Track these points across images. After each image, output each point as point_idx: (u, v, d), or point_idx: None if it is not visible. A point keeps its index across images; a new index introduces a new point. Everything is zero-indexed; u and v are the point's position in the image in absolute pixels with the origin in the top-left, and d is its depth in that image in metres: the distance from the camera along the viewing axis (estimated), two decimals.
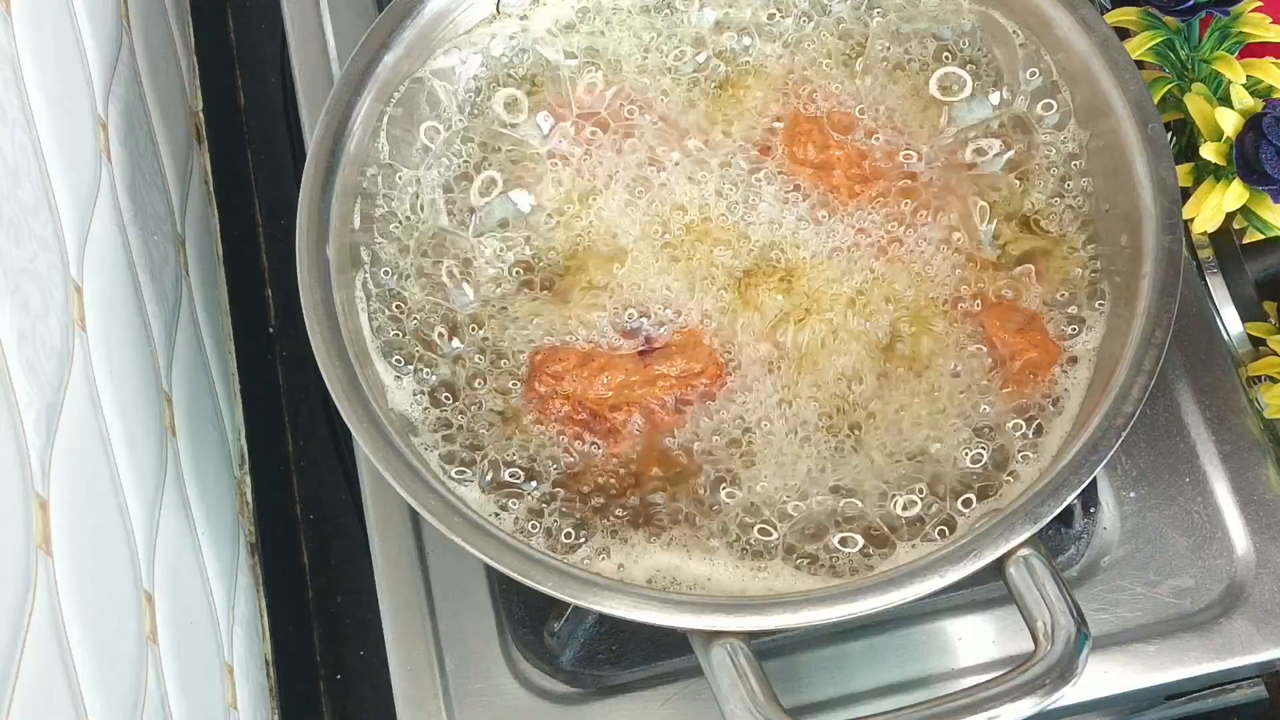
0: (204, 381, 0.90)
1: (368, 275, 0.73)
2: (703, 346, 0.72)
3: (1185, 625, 0.75)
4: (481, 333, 0.73)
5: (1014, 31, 0.77)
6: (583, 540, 0.68)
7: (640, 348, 0.72)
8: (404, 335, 0.72)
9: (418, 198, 0.76)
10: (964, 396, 0.71)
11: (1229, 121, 0.79)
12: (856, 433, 0.71)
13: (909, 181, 0.76)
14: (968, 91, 0.78)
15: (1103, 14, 0.79)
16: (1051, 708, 0.60)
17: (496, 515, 0.68)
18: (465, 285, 0.74)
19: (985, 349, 0.72)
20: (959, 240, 0.75)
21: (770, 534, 0.68)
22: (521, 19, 0.79)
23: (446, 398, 0.71)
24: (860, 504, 0.69)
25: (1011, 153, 0.76)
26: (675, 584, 0.67)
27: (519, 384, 0.72)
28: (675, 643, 0.67)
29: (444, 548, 0.76)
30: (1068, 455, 0.66)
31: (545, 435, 0.70)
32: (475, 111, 0.78)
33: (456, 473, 0.69)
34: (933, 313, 0.73)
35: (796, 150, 0.77)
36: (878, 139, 0.77)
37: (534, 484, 0.69)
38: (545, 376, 0.71)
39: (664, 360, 0.72)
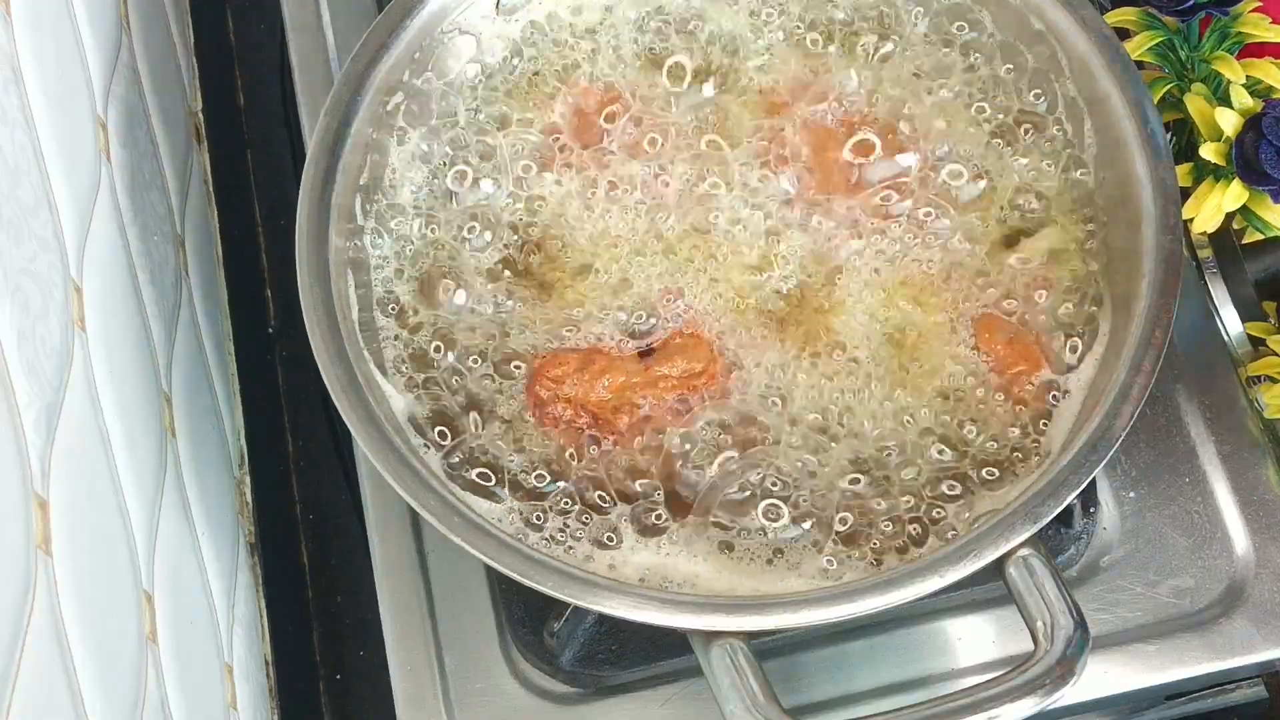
0: (204, 382, 0.90)
1: (368, 276, 0.73)
2: (703, 346, 0.72)
3: (1185, 625, 0.76)
4: (481, 334, 0.73)
5: (1012, 31, 0.77)
6: (579, 541, 0.68)
7: (641, 349, 0.72)
8: (403, 336, 0.72)
9: (418, 198, 0.76)
10: (964, 398, 0.71)
11: (1228, 121, 0.79)
12: (856, 435, 0.71)
13: (909, 182, 0.76)
14: (969, 92, 0.78)
15: (1103, 14, 0.79)
16: (1051, 708, 0.60)
17: (498, 519, 0.68)
18: (465, 285, 0.74)
19: (981, 359, 0.72)
20: (958, 242, 0.75)
21: (766, 534, 0.68)
22: (514, 17, 0.79)
23: (445, 400, 0.71)
24: (859, 505, 0.69)
25: (1010, 153, 0.76)
26: (667, 582, 0.67)
27: (518, 387, 0.72)
28: (675, 643, 0.67)
29: (444, 548, 0.76)
30: (1068, 455, 0.66)
31: (545, 438, 0.70)
32: (476, 111, 0.78)
33: (455, 474, 0.69)
34: (932, 315, 0.73)
35: (799, 150, 0.77)
36: (877, 137, 0.77)
37: (533, 486, 0.69)
38: (546, 381, 0.71)
39: (664, 361, 0.72)
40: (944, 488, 0.69)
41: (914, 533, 0.68)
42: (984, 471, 0.69)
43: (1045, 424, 0.70)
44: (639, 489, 0.69)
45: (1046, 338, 0.72)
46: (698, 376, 0.71)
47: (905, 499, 0.69)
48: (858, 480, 0.69)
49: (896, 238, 0.75)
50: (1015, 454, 0.69)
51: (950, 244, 0.75)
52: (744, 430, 0.71)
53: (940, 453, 0.70)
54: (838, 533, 0.68)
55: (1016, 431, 0.70)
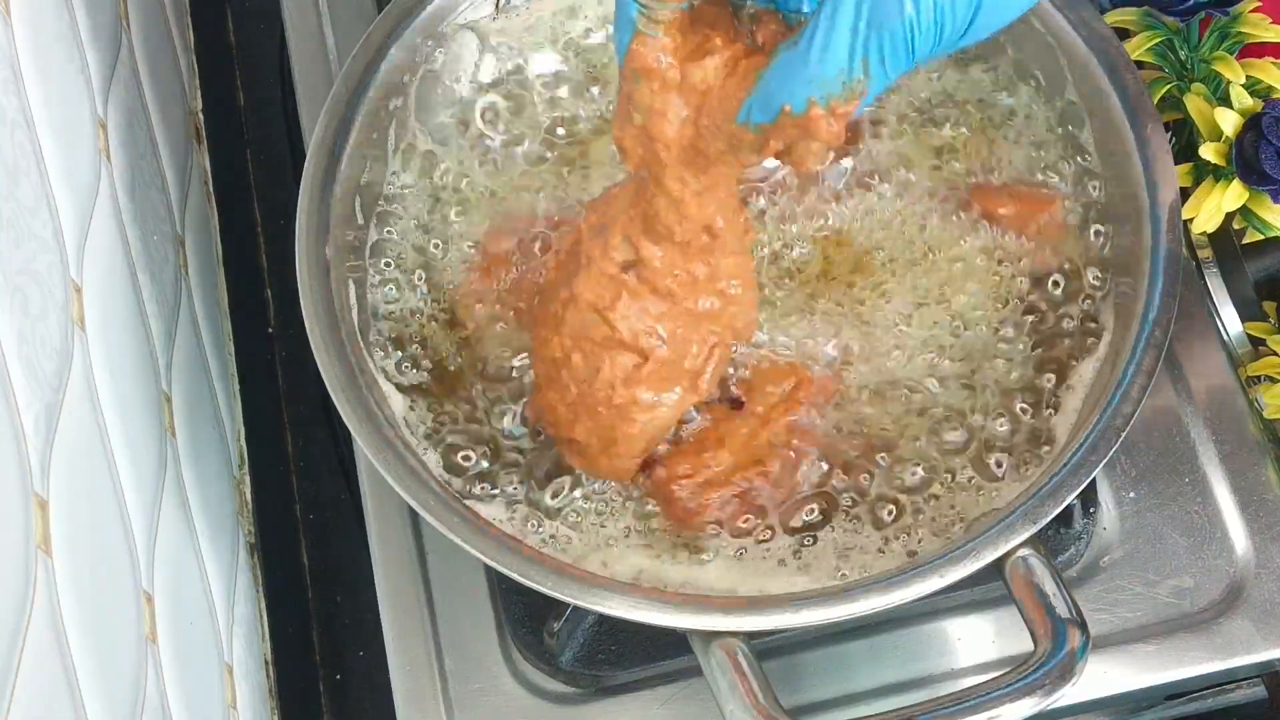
0: (204, 382, 0.90)
1: (367, 276, 0.73)
2: (777, 364, 0.70)
3: (1185, 625, 0.76)
4: (481, 335, 0.73)
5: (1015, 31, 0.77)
6: (575, 541, 0.68)
7: (726, 399, 0.70)
8: (403, 336, 0.72)
9: (419, 198, 0.76)
10: (969, 396, 0.71)
11: (1228, 121, 0.79)
12: (880, 436, 0.71)
13: (913, 180, 0.76)
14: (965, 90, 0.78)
15: (1103, 14, 0.79)
16: (1051, 708, 0.60)
17: (498, 519, 0.68)
18: (465, 285, 0.74)
19: (995, 231, 0.71)
20: (963, 240, 0.75)
21: (766, 537, 0.68)
22: (515, 15, 0.79)
23: (445, 400, 0.71)
24: (858, 505, 0.69)
25: (1010, 154, 0.76)
26: (661, 582, 0.66)
27: (519, 387, 0.71)
28: (675, 643, 0.67)
29: (444, 548, 0.76)
30: (1068, 455, 0.66)
31: (547, 441, 0.70)
32: (476, 111, 0.78)
33: (455, 474, 0.69)
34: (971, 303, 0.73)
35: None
36: (885, 132, 0.77)
37: (530, 486, 0.69)
38: (682, 483, 0.66)
39: (757, 397, 0.69)
40: (946, 483, 0.69)
41: (916, 532, 0.68)
42: (992, 461, 0.69)
43: (1049, 418, 0.70)
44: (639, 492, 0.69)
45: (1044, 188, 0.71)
46: (797, 390, 0.69)
47: (908, 498, 0.69)
48: (862, 484, 0.69)
49: (887, 226, 0.75)
50: (1022, 443, 0.69)
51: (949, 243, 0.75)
52: (867, 418, 0.69)
53: (944, 451, 0.70)
54: (840, 534, 0.68)
55: (1023, 419, 0.70)
